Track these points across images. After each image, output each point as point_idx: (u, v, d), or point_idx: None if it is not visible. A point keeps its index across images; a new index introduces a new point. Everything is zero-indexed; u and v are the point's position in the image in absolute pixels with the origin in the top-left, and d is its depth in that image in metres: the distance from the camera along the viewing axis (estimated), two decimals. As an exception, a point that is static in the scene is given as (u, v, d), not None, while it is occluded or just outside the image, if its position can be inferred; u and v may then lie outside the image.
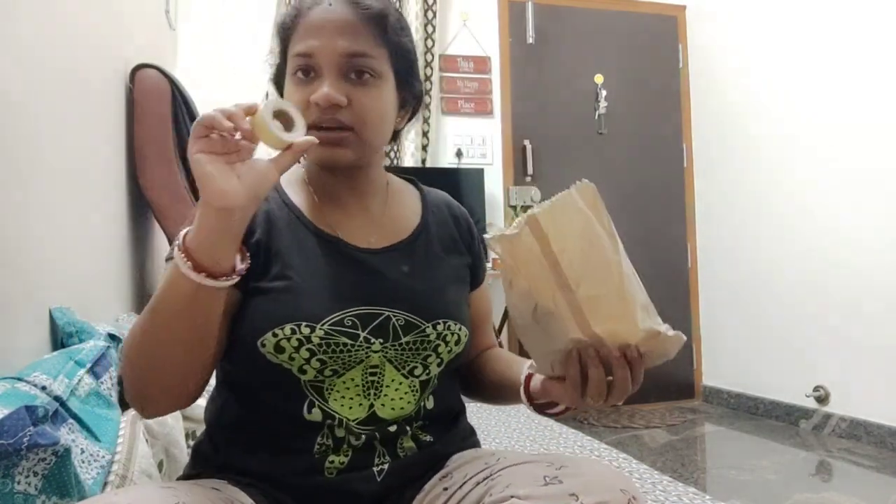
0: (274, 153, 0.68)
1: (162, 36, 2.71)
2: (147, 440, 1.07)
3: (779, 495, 2.18)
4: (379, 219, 0.88)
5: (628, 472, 1.44)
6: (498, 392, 0.93)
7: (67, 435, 0.83)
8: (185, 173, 2.02)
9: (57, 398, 0.86)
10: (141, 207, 2.03)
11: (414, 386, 0.81)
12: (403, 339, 0.79)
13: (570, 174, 3.86)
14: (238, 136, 0.65)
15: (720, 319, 3.70)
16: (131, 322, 1.57)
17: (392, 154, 3.37)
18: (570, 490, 0.62)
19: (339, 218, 0.86)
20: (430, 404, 0.84)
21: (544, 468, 0.67)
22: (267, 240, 0.80)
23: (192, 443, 0.90)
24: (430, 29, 3.46)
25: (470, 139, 3.57)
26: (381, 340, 0.78)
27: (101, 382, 1.06)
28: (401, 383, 0.80)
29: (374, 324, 0.78)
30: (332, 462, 0.77)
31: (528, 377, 0.84)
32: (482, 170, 3.41)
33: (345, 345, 0.76)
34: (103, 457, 0.90)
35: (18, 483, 0.68)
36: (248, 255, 0.72)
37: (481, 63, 3.62)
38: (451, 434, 0.87)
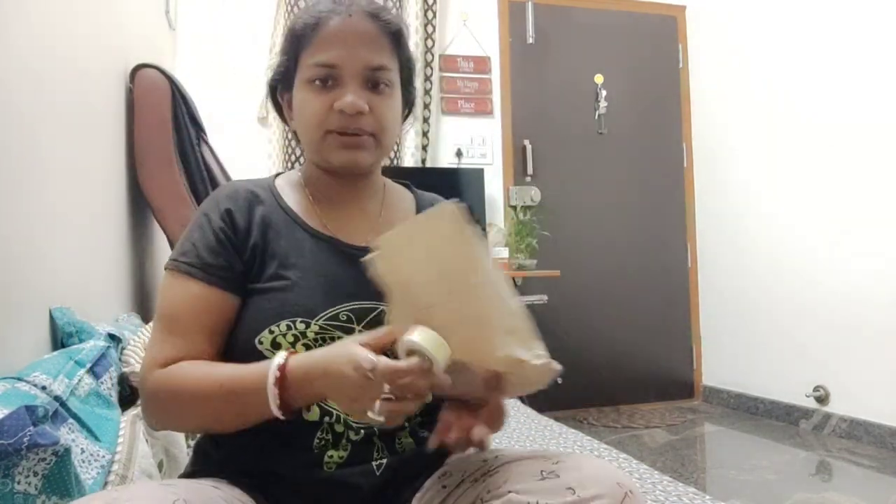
0: None
1: (162, 36, 2.71)
2: (147, 440, 1.07)
3: (779, 495, 2.18)
4: (375, 219, 0.91)
5: (628, 471, 1.44)
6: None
7: (67, 435, 0.83)
8: (184, 173, 2.02)
9: (57, 398, 0.86)
10: (141, 207, 2.03)
11: None
12: None
13: (570, 174, 3.88)
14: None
15: (720, 319, 3.70)
16: (131, 322, 1.58)
17: (392, 154, 3.37)
18: (566, 484, 0.63)
19: (336, 219, 0.88)
20: (427, 397, 0.85)
21: (541, 463, 0.68)
22: (263, 242, 0.83)
23: (191, 443, 0.90)
24: (430, 29, 3.45)
25: (470, 139, 3.57)
26: None
27: (101, 382, 1.06)
28: None
29: (370, 318, 0.80)
30: (332, 457, 0.78)
31: None
32: (482, 170, 3.41)
33: (340, 339, 0.77)
34: (103, 457, 0.90)
35: (18, 483, 0.68)
36: None
37: (481, 63, 3.62)
38: None
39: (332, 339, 0.78)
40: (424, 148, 3.40)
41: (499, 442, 1.79)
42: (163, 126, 1.98)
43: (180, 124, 2.05)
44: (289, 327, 0.77)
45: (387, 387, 0.62)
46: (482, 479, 0.71)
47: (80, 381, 0.97)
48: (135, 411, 1.10)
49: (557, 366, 0.70)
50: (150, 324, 1.01)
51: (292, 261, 0.82)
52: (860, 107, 2.82)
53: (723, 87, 3.66)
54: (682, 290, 3.85)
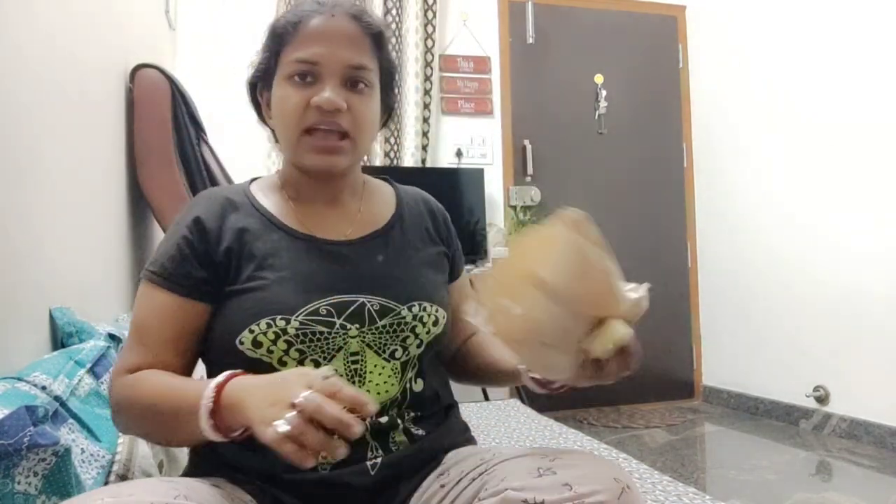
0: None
1: (162, 36, 2.71)
2: (147, 440, 1.07)
3: (779, 495, 2.18)
4: (354, 214, 0.92)
5: (628, 471, 1.44)
6: (492, 375, 0.96)
7: (67, 435, 0.83)
8: (184, 173, 2.02)
9: (57, 398, 0.87)
10: (141, 207, 2.03)
11: (395, 368, 0.83)
12: (380, 323, 0.82)
13: (570, 174, 3.89)
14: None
15: (720, 319, 3.69)
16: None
17: (392, 154, 3.37)
18: (563, 480, 0.63)
19: (314, 217, 0.89)
20: (417, 387, 0.86)
21: (538, 460, 0.68)
22: (238, 246, 0.83)
23: (191, 443, 0.90)
24: (430, 29, 3.45)
25: (470, 139, 3.57)
26: (358, 326, 0.81)
27: (101, 382, 1.06)
28: (383, 367, 0.82)
29: (350, 310, 0.81)
30: (325, 457, 0.77)
31: None
32: (482, 170, 3.41)
33: (321, 333, 0.79)
34: (103, 457, 0.90)
35: (18, 483, 0.68)
36: None
37: (481, 63, 3.61)
38: (443, 428, 0.88)
39: (314, 334, 0.78)
40: (424, 148, 3.39)
41: (498, 441, 1.79)
42: (163, 126, 1.98)
43: (180, 124, 2.05)
44: (269, 325, 0.77)
45: (307, 394, 0.57)
46: (479, 478, 0.71)
47: (80, 381, 0.98)
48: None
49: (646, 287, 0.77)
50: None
51: (269, 261, 0.82)
52: (860, 106, 2.82)
53: (723, 87, 3.66)
54: (682, 290, 3.85)
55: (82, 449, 0.85)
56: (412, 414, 0.84)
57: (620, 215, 3.76)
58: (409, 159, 3.34)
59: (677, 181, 3.88)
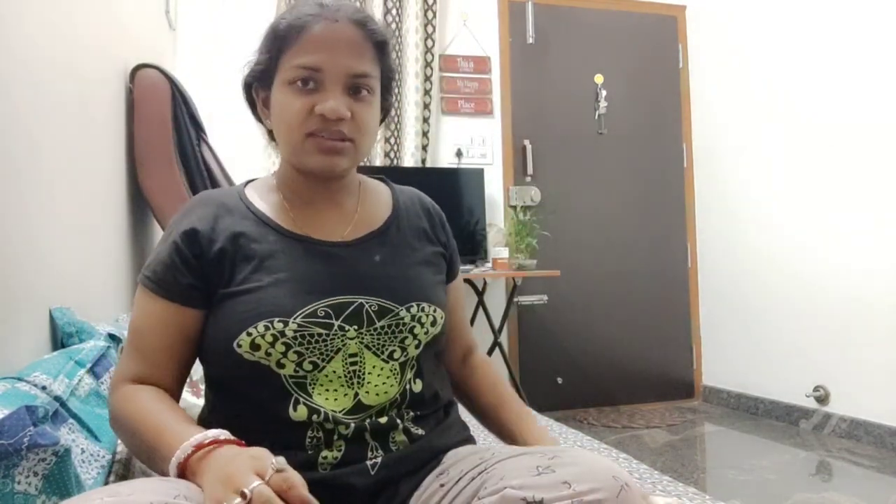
0: None
1: (162, 36, 2.71)
2: (147, 440, 1.07)
3: (779, 495, 2.18)
4: (351, 214, 0.92)
5: (628, 471, 1.44)
6: (497, 429, 0.98)
7: (68, 435, 0.83)
8: (184, 173, 2.02)
9: (57, 398, 0.87)
10: (141, 207, 2.03)
11: (394, 369, 0.83)
12: (378, 324, 0.82)
13: (570, 174, 3.89)
14: None
15: (720, 319, 3.70)
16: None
17: (392, 154, 3.37)
18: (562, 479, 0.63)
19: (311, 218, 0.89)
20: (416, 387, 0.86)
21: (537, 459, 0.68)
22: (233, 248, 0.83)
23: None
24: (430, 29, 3.45)
25: (470, 139, 3.57)
26: (356, 327, 0.81)
27: (102, 382, 1.06)
28: (382, 368, 0.82)
29: (348, 312, 0.81)
30: (326, 457, 0.78)
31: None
32: (482, 170, 3.41)
33: (319, 335, 0.79)
34: (103, 457, 0.90)
35: (18, 483, 0.68)
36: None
37: (481, 63, 3.61)
38: (443, 427, 0.88)
39: (312, 336, 0.78)
40: (424, 148, 3.39)
41: (497, 440, 1.79)
42: (163, 126, 1.98)
43: (180, 124, 2.05)
44: (267, 328, 0.77)
45: (258, 487, 0.58)
46: (479, 476, 0.71)
47: (80, 381, 0.98)
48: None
49: None
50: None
51: (266, 263, 0.82)
52: (860, 106, 2.82)
53: (723, 87, 3.66)
54: (682, 290, 3.85)
55: (82, 449, 0.85)
56: (412, 414, 0.84)
57: (620, 215, 3.76)
58: (409, 159, 3.35)
59: (677, 181, 3.88)
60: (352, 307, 0.81)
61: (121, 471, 0.96)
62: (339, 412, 0.79)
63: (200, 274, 0.82)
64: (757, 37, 3.39)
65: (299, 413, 0.78)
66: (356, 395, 0.80)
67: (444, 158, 3.52)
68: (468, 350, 1.04)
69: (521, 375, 3.51)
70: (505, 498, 0.63)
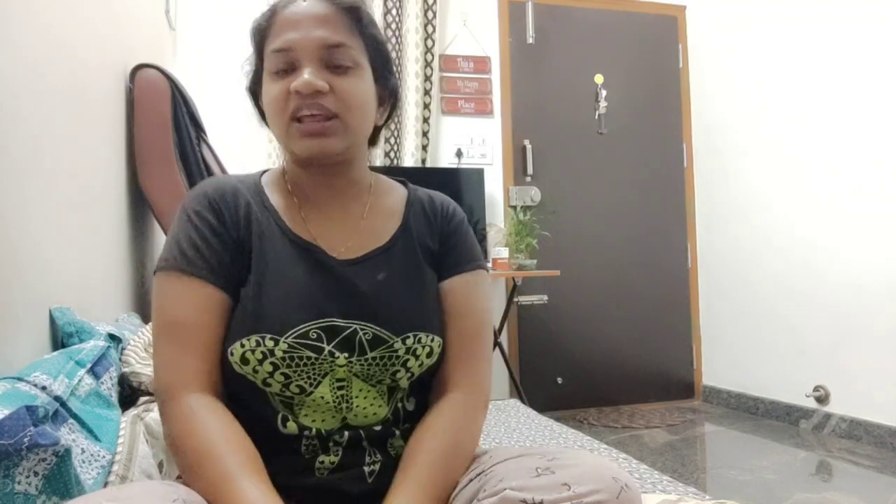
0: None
1: (162, 36, 2.71)
2: (147, 440, 1.07)
3: (779, 495, 2.18)
4: (358, 223, 0.87)
5: (628, 471, 1.44)
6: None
7: (68, 435, 0.83)
8: (184, 173, 2.02)
9: (57, 398, 0.86)
10: (141, 207, 2.03)
11: (383, 391, 0.81)
12: (370, 354, 0.79)
13: (570, 174, 3.89)
14: None
15: (720, 319, 3.70)
16: (131, 322, 1.57)
17: (392, 154, 3.37)
18: (562, 480, 0.63)
19: (318, 221, 0.86)
20: (409, 405, 0.85)
21: (536, 460, 0.68)
22: (248, 239, 0.81)
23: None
24: (430, 29, 3.45)
25: (470, 139, 3.57)
26: (346, 355, 0.78)
27: (102, 382, 1.06)
28: (369, 391, 0.80)
29: (340, 337, 0.78)
30: (323, 462, 0.77)
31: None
32: (482, 170, 3.41)
33: (308, 358, 0.76)
34: (103, 457, 0.90)
35: (19, 483, 0.68)
36: None
37: (481, 63, 3.61)
38: None
39: (301, 359, 0.76)
40: (424, 148, 3.39)
41: (498, 441, 1.79)
42: (163, 126, 1.98)
43: (180, 124, 2.05)
44: (258, 343, 0.75)
45: None
46: (478, 478, 0.71)
47: (80, 381, 0.97)
48: (135, 411, 1.10)
49: None
50: (150, 324, 1.01)
51: (270, 267, 0.80)
52: (860, 106, 2.82)
53: (723, 87, 3.66)
54: (682, 290, 3.85)
55: (82, 449, 0.85)
56: (407, 426, 0.83)
57: (620, 215, 3.76)
58: (409, 159, 3.35)
59: (677, 181, 3.89)
60: (345, 333, 0.78)
61: (121, 471, 0.95)
62: (328, 430, 0.78)
63: (226, 238, 0.79)
64: (757, 37, 3.39)
65: (289, 428, 0.78)
66: (344, 418, 0.79)
67: (444, 158, 3.52)
68: (448, 386, 0.85)
69: (521, 375, 3.51)
70: (504, 499, 0.63)
